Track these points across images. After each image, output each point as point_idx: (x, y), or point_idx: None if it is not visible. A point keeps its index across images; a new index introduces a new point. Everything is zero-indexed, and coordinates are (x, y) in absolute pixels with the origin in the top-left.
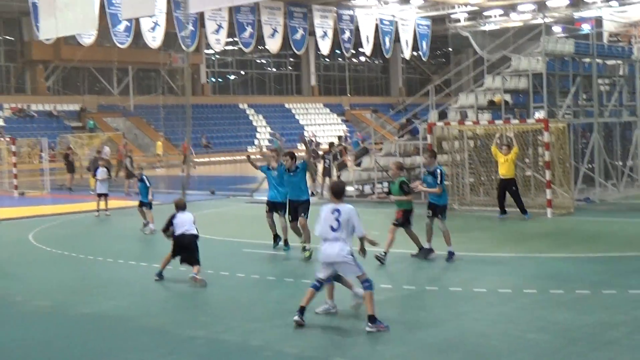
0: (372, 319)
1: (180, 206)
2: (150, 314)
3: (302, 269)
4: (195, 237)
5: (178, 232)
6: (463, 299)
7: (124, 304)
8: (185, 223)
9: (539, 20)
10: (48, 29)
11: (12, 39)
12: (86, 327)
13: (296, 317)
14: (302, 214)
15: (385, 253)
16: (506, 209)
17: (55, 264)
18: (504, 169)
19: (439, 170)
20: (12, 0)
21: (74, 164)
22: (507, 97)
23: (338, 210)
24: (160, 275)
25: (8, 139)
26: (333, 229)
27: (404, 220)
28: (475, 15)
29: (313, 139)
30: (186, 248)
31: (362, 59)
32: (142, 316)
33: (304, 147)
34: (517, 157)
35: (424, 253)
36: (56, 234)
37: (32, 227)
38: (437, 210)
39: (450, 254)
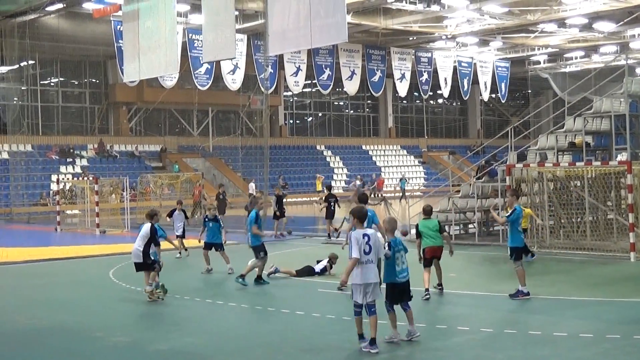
0: (372, 341)
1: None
2: (225, 352)
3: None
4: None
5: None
6: (542, 343)
7: (200, 342)
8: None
9: (621, 62)
10: (132, 72)
11: (97, 81)
12: None
13: (368, 349)
14: None
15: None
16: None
17: (133, 300)
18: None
19: (516, 209)
20: (99, 45)
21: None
22: (589, 139)
23: (367, 235)
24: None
25: (91, 178)
26: (366, 253)
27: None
28: (556, 57)
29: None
30: None
31: (440, 100)
32: (217, 354)
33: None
34: (599, 200)
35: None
36: (135, 271)
37: (112, 265)
38: (510, 252)
39: (518, 292)
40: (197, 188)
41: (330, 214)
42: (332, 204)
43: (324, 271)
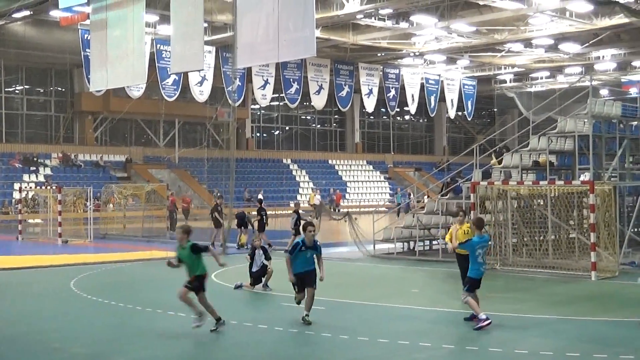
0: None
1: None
2: None
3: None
4: None
5: None
6: None
7: (160, 354)
8: None
9: (586, 83)
10: (99, 81)
11: (63, 89)
12: None
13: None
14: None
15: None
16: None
17: (94, 312)
18: None
19: (472, 239)
20: (65, 53)
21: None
22: (552, 158)
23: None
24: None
25: (54, 188)
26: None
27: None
28: (522, 76)
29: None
30: None
31: (407, 117)
32: None
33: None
34: (562, 219)
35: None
36: (97, 282)
37: (74, 275)
38: (464, 281)
39: (479, 322)
40: (171, 198)
41: (261, 227)
42: (263, 217)
43: (264, 268)
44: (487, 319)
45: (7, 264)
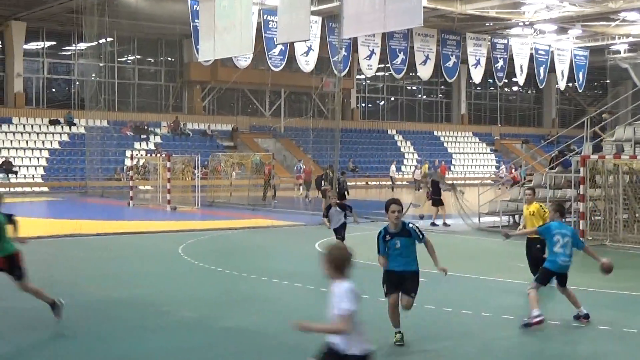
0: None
1: None
2: (289, 331)
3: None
4: None
5: None
6: (612, 338)
7: (265, 320)
8: None
9: None
10: (207, 51)
11: (172, 60)
12: (228, 340)
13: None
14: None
15: None
16: None
17: (200, 277)
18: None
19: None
20: (175, 23)
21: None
22: None
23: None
24: None
25: (164, 155)
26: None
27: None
28: (637, 46)
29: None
30: None
31: (515, 88)
32: (282, 333)
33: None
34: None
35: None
36: (204, 248)
37: (182, 241)
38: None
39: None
40: (268, 167)
41: (340, 196)
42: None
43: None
44: (538, 315)
45: (118, 229)
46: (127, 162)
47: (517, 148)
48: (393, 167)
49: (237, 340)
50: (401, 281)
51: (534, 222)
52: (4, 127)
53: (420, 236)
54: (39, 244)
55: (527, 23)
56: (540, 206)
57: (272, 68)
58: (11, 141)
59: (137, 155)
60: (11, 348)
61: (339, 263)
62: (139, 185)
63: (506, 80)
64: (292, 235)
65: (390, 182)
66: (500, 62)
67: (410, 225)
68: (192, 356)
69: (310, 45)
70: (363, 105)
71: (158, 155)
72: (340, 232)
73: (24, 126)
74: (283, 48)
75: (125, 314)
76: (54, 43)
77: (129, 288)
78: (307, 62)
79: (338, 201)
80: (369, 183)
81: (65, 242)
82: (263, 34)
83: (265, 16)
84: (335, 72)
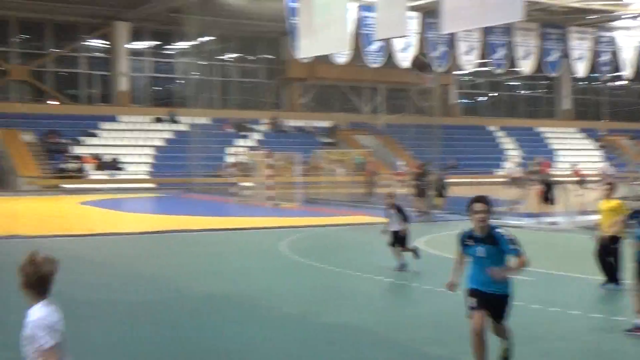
0: None
1: None
2: (392, 329)
3: None
4: None
5: None
6: None
7: (365, 317)
8: None
9: None
10: (305, 49)
11: (271, 57)
12: (329, 336)
13: None
14: None
15: None
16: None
17: (301, 273)
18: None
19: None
20: (273, 21)
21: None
22: None
23: None
24: None
25: (265, 152)
26: None
27: None
28: None
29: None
30: None
31: (621, 82)
32: (383, 329)
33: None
34: None
35: None
36: (304, 244)
37: (283, 237)
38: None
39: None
40: (371, 164)
41: (421, 193)
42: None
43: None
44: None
45: (220, 225)
46: (229, 159)
47: (624, 144)
48: (510, 164)
49: (337, 336)
50: (483, 301)
51: (611, 218)
52: (111, 125)
53: (511, 248)
54: (145, 239)
55: (633, 15)
56: (620, 203)
57: (370, 64)
58: (117, 138)
59: (238, 152)
60: (117, 339)
61: (33, 281)
62: (240, 182)
63: (612, 75)
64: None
65: (507, 179)
66: (606, 56)
67: (501, 231)
68: (294, 351)
69: (409, 42)
70: (462, 101)
71: (259, 152)
72: (400, 239)
73: (130, 124)
74: (381, 44)
75: (226, 310)
76: (156, 42)
77: (232, 283)
78: (405, 59)
79: (395, 202)
80: (469, 180)
81: (170, 237)
82: (360, 31)
83: (362, 12)
84: (434, 68)
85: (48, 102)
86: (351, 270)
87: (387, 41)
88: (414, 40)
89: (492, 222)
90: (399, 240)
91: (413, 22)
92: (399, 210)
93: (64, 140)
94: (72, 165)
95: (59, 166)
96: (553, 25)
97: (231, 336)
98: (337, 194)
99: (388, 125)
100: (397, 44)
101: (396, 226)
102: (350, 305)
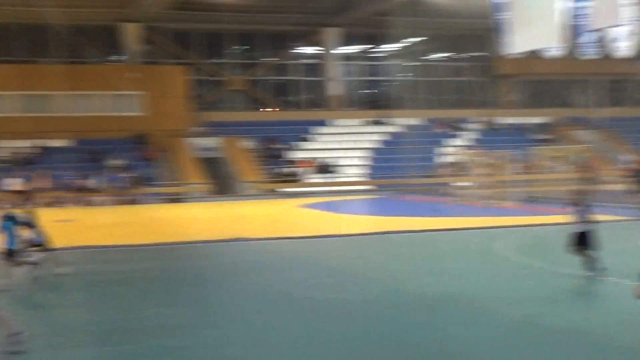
0: None
1: None
2: (625, 332)
3: None
4: None
5: None
6: None
7: (595, 320)
8: None
9: None
10: (517, 44)
11: (480, 54)
12: (558, 340)
13: None
14: None
15: None
16: None
17: (520, 273)
18: None
19: None
20: (480, 18)
21: None
22: None
23: None
24: None
25: (479, 151)
26: None
27: None
28: None
29: None
30: None
31: None
32: (615, 334)
33: None
34: None
35: None
36: (521, 244)
37: (500, 237)
38: None
39: None
40: (594, 160)
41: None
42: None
43: None
44: None
45: (436, 225)
46: (444, 159)
47: None
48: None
49: (566, 340)
50: None
51: None
52: (324, 129)
53: None
54: (364, 240)
55: None
56: None
57: (586, 56)
58: (330, 142)
59: (454, 151)
60: (355, 334)
61: None
62: (454, 181)
63: None
64: (617, 231)
65: None
66: None
67: None
68: (515, 355)
69: (628, 30)
70: None
71: (473, 151)
72: (581, 238)
73: (343, 127)
74: (598, 34)
75: (444, 310)
76: (364, 46)
77: (447, 284)
78: (625, 48)
79: (576, 197)
80: None
81: (388, 238)
82: (572, 22)
83: (575, 3)
84: None
85: (262, 109)
86: (572, 270)
87: (601, 31)
88: (634, 28)
89: None
90: (582, 240)
91: (633, 9)
92: (584, 208)
93: (282, 146)
94: (288, 169)
95: (274, 171)
96: None
97: (456, 338)
98: (558, 192)
99: (607, 118)
100: (614, 33)
101: (581, 226)
102: (577, 307)
